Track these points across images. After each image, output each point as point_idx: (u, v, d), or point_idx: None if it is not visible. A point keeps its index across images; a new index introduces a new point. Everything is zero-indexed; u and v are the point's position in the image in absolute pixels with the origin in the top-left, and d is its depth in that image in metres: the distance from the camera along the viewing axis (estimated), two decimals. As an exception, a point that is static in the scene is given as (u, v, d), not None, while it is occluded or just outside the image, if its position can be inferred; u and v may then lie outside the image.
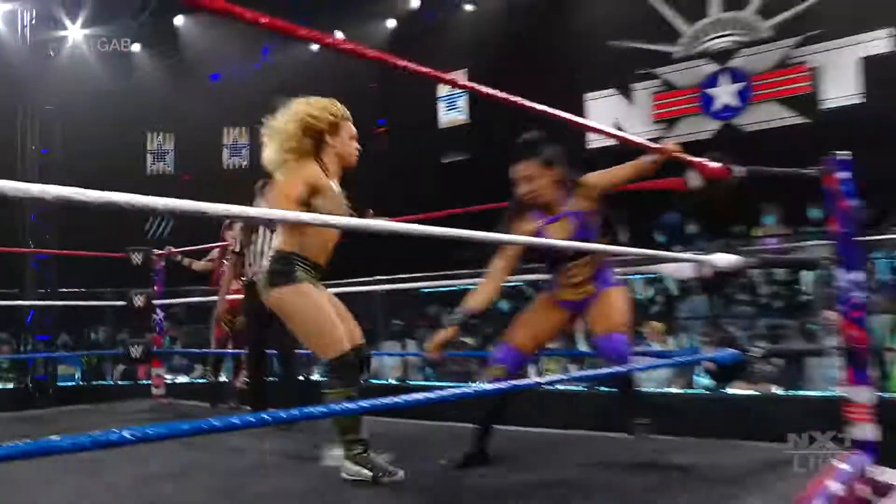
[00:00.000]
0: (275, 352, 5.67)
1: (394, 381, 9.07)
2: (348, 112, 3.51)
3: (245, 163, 15.75)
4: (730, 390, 6.90)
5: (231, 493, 3.37)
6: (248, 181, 5.67)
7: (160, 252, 7.17)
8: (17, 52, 11.55)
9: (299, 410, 1.86)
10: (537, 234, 3.58)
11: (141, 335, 7.58)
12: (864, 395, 3.60)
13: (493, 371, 3.62)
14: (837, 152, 3.69)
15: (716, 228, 9.87)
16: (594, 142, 10.85)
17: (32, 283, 10.45)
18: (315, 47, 13.53)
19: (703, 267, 3.58)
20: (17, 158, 10.92)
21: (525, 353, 3.70)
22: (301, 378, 9.96)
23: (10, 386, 10.54)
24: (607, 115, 11.52)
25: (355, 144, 3.51)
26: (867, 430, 3.56)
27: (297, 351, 5.72)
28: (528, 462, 3.73)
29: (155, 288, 7.31)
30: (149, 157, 16.05)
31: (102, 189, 1.48)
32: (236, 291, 5.93)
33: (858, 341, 3.65)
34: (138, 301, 6.99)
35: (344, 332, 3.32)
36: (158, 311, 7.37)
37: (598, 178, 3.62)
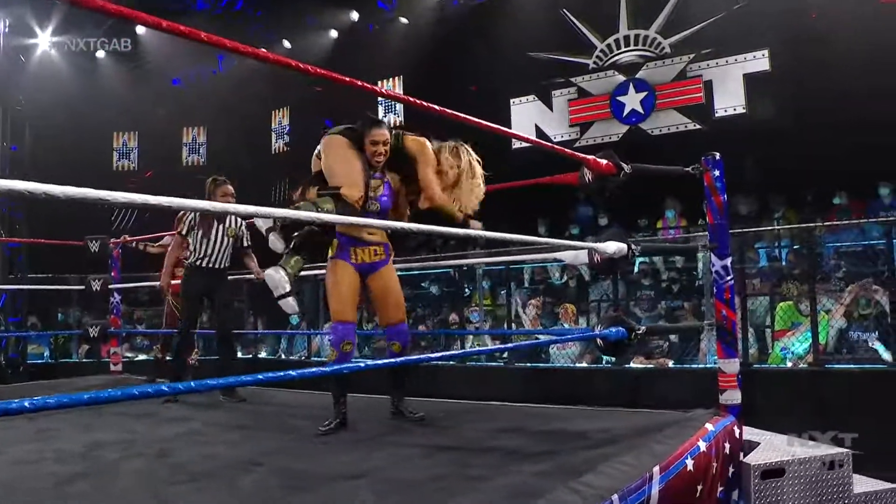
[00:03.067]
0: (213, 332, 5.66)
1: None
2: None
3: (203, 160, 15.50)
4: (632, 364, 7.05)
5: (162, 457, 3.33)
6: (205, 176, 5.64)
7: (116, 240, 7.03)
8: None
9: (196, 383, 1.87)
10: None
11: (103, 317, 7.46)
12: (731, 366, 3.72)
13: (345, 348, 3.75)
14: (717, 153, 3.79)
15: (624, 221, 10.03)
16: (518, 142, 10.96)
17: (3, 269, 10.19)
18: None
19: (595, 253, 3.63)
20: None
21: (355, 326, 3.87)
22: (248, 356, 9.95)
23: (-16, 363, 10.33)
24: (528, 118, 11.67)
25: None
26: (734, 396, 3.68)
27: (233, 332, 5.74)
28: (436, 427, 3.77)
29: (112, 274, 7.17)
30: (115, 155, 15.72)
31: (70, 184, 1.48)
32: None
33: (728, 320, 3.77)
34: (96, 285, 6.87)
35: None
36: (116, 294, 7.25)
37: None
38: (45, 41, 12.72)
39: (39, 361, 10.51)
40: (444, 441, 3.40)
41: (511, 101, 11.83)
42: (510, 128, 11.33)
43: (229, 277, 5.62)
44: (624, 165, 3.70)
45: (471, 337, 8.60)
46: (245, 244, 5.57)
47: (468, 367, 7.83)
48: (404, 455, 3.13)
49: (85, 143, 14.04)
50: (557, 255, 4.19)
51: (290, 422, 4.16)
